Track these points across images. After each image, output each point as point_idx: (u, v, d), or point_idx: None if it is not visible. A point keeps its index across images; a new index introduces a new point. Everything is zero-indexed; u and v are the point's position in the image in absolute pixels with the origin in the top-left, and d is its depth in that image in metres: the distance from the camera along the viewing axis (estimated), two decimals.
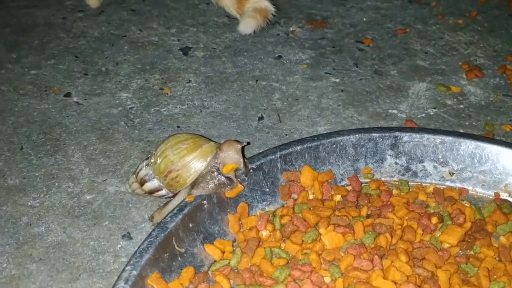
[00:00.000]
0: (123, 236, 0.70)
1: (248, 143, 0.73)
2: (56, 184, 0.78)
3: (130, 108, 0.93)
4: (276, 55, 1.07)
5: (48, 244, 0.69)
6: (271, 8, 0.91)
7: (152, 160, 0.71)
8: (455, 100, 0.95)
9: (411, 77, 1.01)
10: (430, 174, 0.76)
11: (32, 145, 0.85)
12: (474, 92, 0.97)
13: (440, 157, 0.76)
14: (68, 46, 1.10)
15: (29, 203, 0.75)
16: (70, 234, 0.70)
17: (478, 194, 0.74)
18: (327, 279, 0.61)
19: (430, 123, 0.89)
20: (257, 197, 0.72)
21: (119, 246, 0.69)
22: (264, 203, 0.72)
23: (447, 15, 1.20)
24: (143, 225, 0.72)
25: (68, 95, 0.96)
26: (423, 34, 1.14)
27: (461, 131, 0.87)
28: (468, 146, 0.76)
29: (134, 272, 0.58)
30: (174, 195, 0.71)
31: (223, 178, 0.68)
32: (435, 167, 0.76)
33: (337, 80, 1.01)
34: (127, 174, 0.79)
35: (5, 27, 1.14)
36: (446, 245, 0.65)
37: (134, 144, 0.85)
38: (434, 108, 0.93)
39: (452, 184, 0.75)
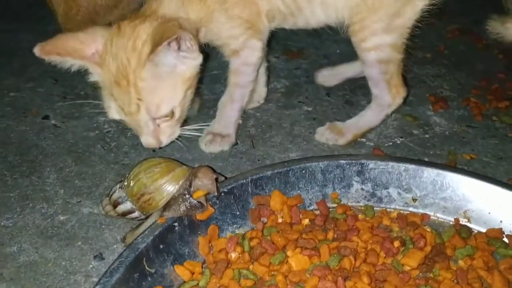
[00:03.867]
0: (95, 257, 0.71)
1: (225, 178, 0.76)
2: (30, 204, 0.79)
3: (107, 132, 0.95)
4: None
5: (20, 263, 0.70)
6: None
7: (126, 183, 0.73)
8: (421, 130, 1.00)
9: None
10: (395, 200, 0.80)
11: (8, 166, 0.86)
12: (439, 123, 1.02)
13: (404, 183, 0.80)
14: (48, 70, 1.11)
15: (2, 223, 0.76)
16: (42, 254, 0.71)
17: (439, 219, 0.78)
18: None
19: (397, 152, 0.93)
20: (228, 220, 0.74)
21: (91, 266, 0.70)
22: (234, 225, 0.74)
23: (417, 49, 1.26)
24: (115, 246, 0.73)
25: (46, 117, 0.98)
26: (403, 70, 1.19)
27: (426, 159, 0.91)
28: (430, 173, 0.79)
29: None
30: (147, 217, 0.73)
31: (194, 201, 0.70)
32: (399, 193, 0.80)
33: (310, 109, 1.04)
34: (101, 196, 0.80)
35: None
36: (407, 268, 0.68)
37: (109, 167, 0.87)
38: (401, 137, 0.97)
39: (415, 210, 0.79)
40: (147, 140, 0.80)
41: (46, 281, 0.68)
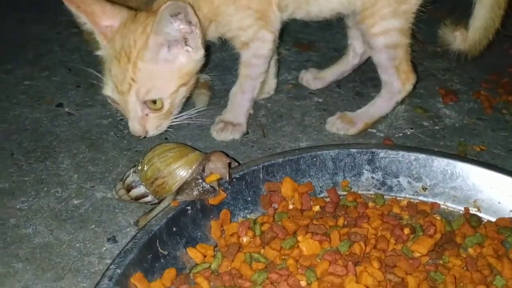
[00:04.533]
0: (108, 239, 0.73)
1: (238, 163, 0.77)
2: (45, 189, 0.81)
3: (120, 120, 0.96)
4: None
5: (35, 245, 0.71)
6: (208, 77, 1.03)
7: (139, 168, 0.74)
8: (431, 121, 1.00)
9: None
10: (404, 189, 0.80)
11: (23, 152, 0.88)
12: (449, 115, 1.02)
13: (414, 173, 0.80)
14: (61, 60, 1.13)
15: (17, 206, 0.77)
16: (56, 236, 0.73)
17: (449, 208, 0.78)
18: (303, 283, 0.64)
19: (407, 142, 0.94)
20: (239, 205, 0.75)
21: (104, 248, 0.71)
22: (245, 211, 0.75)
23: (427, 43, 1.26)
24: (128, 230, 0.74)
25: (60, 105, 1.00)
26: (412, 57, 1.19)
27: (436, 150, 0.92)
28: (440, 163, 0.80)
29: (118, 271, 0.61)
30: (159, 202, 0.74)
31: (207, 186, 0.71)
32: (409, 182, 0.80)
33: (320, 100, 1.05)
34: (114, 182, 0.81)
35: (1, 41, 1.18)
36: (417, 254, 0.69)
37: (122, 153, 0.88)
38: (411, 128, 0.98)
39: (424, 199, 0.79)
40: (134, 125, 0.81)
41: (61, 261, 0.69)
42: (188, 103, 0.92)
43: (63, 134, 0.92)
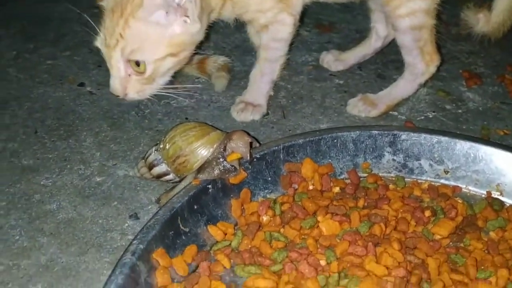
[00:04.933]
0: (130, 216, 0.74)
1: (259, 143, 0.76)
2: (68, 166, 0.82)
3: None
4: None
5: (59, 220, 0.73)
6: (227, 59, 1.01)
7: (161, 146, 0.74)
8: (453, 105, 0.99)
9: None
10: (426, 172, 0.80)
11: (46, 130, 0.89)
12: (473, 99, 1.00)
13: (436, 155, 0.80)
14: (83, 40, 1.14)
15: (41, 182, 0.78)
16: (80, 212, 0.74)
17: (470, 192, 0.78)
18: (322, 262, 0.64)
19: (429, 125, 0.93)
20: (259, 185, 0.75)
21: (126, 225, 0.72)
22: (265, 191, 0.76)
23: (451, 25, 1.24)
24: (150, 207, 0.75)
25: (82, 84, 1.01)
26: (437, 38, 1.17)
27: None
28: (463, 146, 0.79)
29: (141, 246, 0.61)
30: (181, 180, 0.75)
31: (228, 165, 0.72)
32: (430, 165, 0.80)
33: (341, 82, 1.04)
34: (136, 160, 0.82)
35: (22, 19, 1.19)
36: (437, 237, 0.69)
37: (144, 133, 0.89)
38: (433, 111, 0.97)
39: (446, 182, 0.79)
40: (114, 83, 0.79)
41: (84, 237, 0.70)
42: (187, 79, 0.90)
43: (85, 113, 0.93)
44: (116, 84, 0.80)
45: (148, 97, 0.83)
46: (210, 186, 0.71)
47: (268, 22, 0.87)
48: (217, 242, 0.68)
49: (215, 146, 0.72)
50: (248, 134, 0.73)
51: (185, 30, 0.77)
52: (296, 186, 0.76)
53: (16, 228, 0.71)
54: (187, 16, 0.76)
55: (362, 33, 1.20)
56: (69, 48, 1.11)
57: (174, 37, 0.77)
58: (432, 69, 0.92)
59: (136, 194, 0.77)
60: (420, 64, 0.91)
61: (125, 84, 0.79)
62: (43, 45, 1.12)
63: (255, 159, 0.75)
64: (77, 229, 0.71)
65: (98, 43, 0.80)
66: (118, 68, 0.78)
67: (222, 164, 0.71)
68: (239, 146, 0.71)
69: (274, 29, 0.88)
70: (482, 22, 0.92)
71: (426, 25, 0.88)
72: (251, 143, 0.72)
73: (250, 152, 0.72)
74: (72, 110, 0.94)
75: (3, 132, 0.88)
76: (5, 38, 1.14)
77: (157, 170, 0.75)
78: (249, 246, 0.67)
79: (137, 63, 0.78)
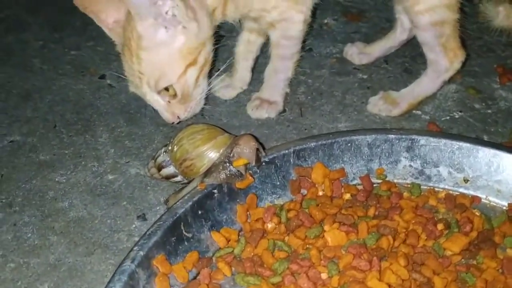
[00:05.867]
0: (138, 217, 0.74)
1: (264, 149, 0.73)
2: (83, 162, 0.83)
3: None
4: (307, 48, 1.07)
5: (70, 218, 0.74)
6: None
7: (170, 148, 0.74)
8: (483, 104, 0.93)
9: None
10: (444, 179, 0.76)
11: (65, 124, 0.91)
12: (505, 97, 0.94)
13: (456, 163, 0.75)
14: None
15: (56, 179, 0.80)
16: (90, 211, 0.75)
17: (491, 203, 0.73)
18: (324, 275, 0.63)
19: (454, 127, 0.88)
20: (267, 189, 0.74)
21: (134, 226, 0.73)
22: (273, 196, 0.74)
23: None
24: (158, 208, 0.76)
25: (102, 77, 1.01)
26: (461, 33, 1.11)
27: (485, 137, 0.86)
28: (486, 153, 0.74)
29: (141, 253, 0.62)
30: (189, 182, 0.75)
31: (234, 170, 0.71)
32: (449, 172, 0.76)
33: (365, 77, 1.00)
34: (148, 158, 0.82)
35: (49, 7, 1.21)
36: (448, 253, 0.66)
37: (158, 129, 0.89)
38: (460, 111, 0.91)
39: (465, 191, 0.75)
40: (163, 115, 0.80)
41: (92, 237, 0.72)
42: None
43: (103, 107, 0.94)
44: (165, 115, 0.80)
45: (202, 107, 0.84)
46: (215, 190, 0.70)
47: (274, 21, 0.83)
48: (220, 248, 0.68)
49: (221, 150, 0.71)
50: (256, 139, 0.72)
51: (187, 35, 0.75)
52: (305, 192, 0.74)
53: (29, 226, 0.73)
54: (181, 21, 0.73)
55: (392, 23, 1.14)
56: (93, 38, 1.11)
57: (182, 47, 0.75)
58: (457, 65, 0.87)
59: (145, 194, 0.78)
60: (443, 60, 0.86)
61: (171, 110, 0.80)
62: (69, 34, 1.13)
63: (263, 163, 0.73)
64: (86, 229, 0.73)
65: (132, 88, 0.81)
66: (156, 101, 0.79)
67: (228, 169, 0.71)
68: (245, 152, 0.70)
69: (283, 27, 0.84)
70: (502, 16, 0.86)
71: (448, 20, 0.82)
72: (257, 149, 0.71)
73: (256, 158, 0.71)
74: (91, 104, 0.95)
75: (24, 126, 0.90)
76: (33, 27, 1.16)
77: (165, 171, 0.75)
78: (252, 254, 0.66)
79: (167, 89, 0.78)
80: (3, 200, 0.77)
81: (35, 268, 0.68)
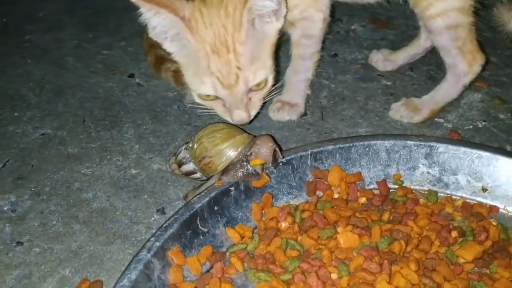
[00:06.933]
0: (157, 210, 0.77)
1: (281, 151, 0.74)
2: (108, 156, 0.86)
3: (184, 94, 0.99)
4: (332, 53, 1.09)
5: (93, 209, 0.77)
6: None
7: (190, 145, 0.77)
8: (509, 114, 0.92)
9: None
10: (462, 188, 0.76)
11: (94, 119, 0.94)
12: None
13: (475, 171, 0.75)
14: (139, 29, 1.17)
15: (82, 171, 0.84)
16: (112, 202, 0.78)
17: (509, 214, 0.73)
18: (333, 276, 0.64)
19: (476, 136, 0.87)
20: (283, 189, 0.75)
21: (153, 219, 0.76)
22: (289, 196, 0.75)
23: None
24: (177, 203, 0.78)
25: (131, 76, 1.05)
26: (490, 41, 1.10)
27: (508, 147, 0.85)
28: (506, 163, 0.74)
29: (157, 244, 0.64)
30: (208, 178, 0.77)
31: (251, 169, 0.72)
32: (468, 181, 0.75)
33: (389, 83, 1.00)
34: (171, 154, 0.85)
35: (85, 8, 1.26)
36: (461, 260, 0.65)
37: (182, 127, 0.92)
38: (484, 121, 0.91)
39: (483, 200, 0.74)
40: (241, 115, 0.77)
41: (113, 227, 0.75)
42: None
43: (131, 104, 0.97)
44: (243, 115, 0.77)
45: None
46: (232, 188, 0.72)
47: (294, 19, 0.84)
48: (233, 244, 0.69)
49: (239, 149, 0.73)
50: (274, 140, 0.73)
51: (275, 28, 0.75)
52: (321, 194, 0.75)
53: (54, 214, 0.77)
54: (273, 15, 0.74)
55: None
56: (125, 38, 1.16)
57: (271, 39, 0.76)
58: (476, 68, 0.86)
59: (166, 188, 0.80)
60: (461, 64, 0.85)
61: (248, 108, 0.78)
62: (102, 34, 1.17)
63: (280, 164, 0.75)
64: (107, 219, 0.76)
65: (210, 90, 0.75)
66: (243, 100, 0.76)
67: (246, 167, 0.72)
68: (262, 152, 0.72)
69: (303, 26, 0.85)
70: None
71: (462, 23, 0.82)
72: (275, 150, 0.72)
73: (274, 158, 0.72)
74: (119, 101, 0.98)
75: (55, 120, 0.94)
76: (69, 27, 1.21)
77: (185, 168, 0.77)
78: (264, 251, 0.68)
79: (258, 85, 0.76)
80: (32, 189, 0.81)
81: (58, 254, 0.71)
